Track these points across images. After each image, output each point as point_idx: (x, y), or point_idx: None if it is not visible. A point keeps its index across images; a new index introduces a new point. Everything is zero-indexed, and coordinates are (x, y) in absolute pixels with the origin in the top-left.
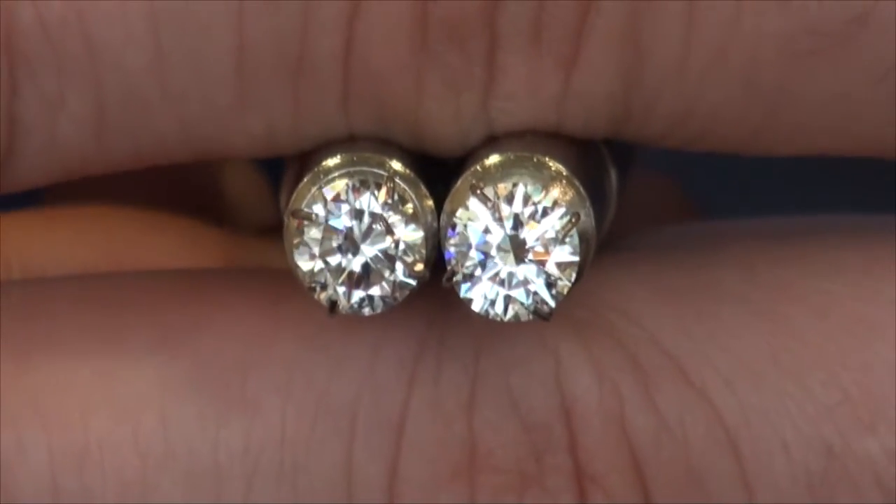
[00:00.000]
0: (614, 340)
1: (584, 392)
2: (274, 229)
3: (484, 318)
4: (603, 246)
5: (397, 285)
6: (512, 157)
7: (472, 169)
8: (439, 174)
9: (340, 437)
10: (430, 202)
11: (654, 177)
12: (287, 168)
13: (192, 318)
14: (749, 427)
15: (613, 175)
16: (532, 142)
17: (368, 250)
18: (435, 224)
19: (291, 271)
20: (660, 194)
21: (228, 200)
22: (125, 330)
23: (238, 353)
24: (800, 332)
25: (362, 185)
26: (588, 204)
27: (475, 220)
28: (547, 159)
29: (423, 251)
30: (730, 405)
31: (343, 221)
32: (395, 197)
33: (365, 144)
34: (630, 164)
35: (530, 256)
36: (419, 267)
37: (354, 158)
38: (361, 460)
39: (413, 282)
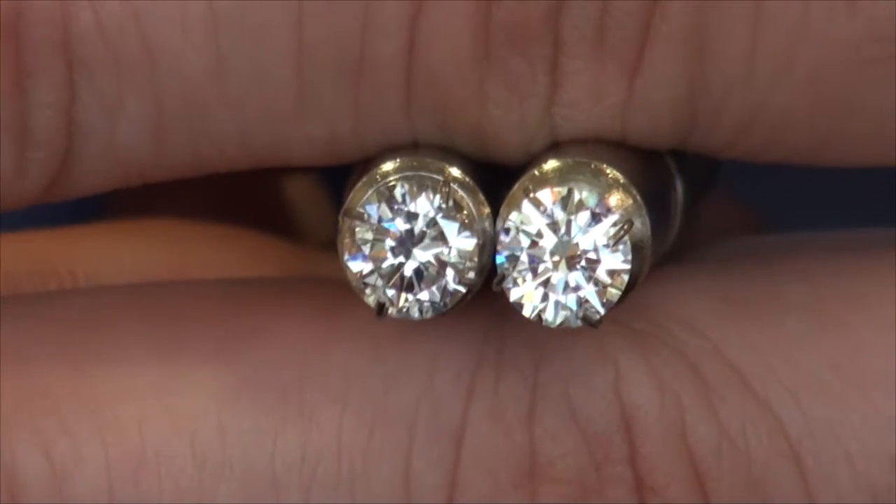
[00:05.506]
0: (675, 351)
1: (645, 402)
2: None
3: (541, 328)
4: (666, 259)
5: (448, 292)
6: (570, 162)
7: (529, 174)
8: (501, 183)
9: (398, 447)
10: (488, 210)
11: (719, 196)
12: (351, 175)
13: (248, 327)
14: (813, 438)
15: (680, 189)
16: (593, 149)
17: (421, 255)
18: (492, 232)
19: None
20: (724, 213)
21: (291, 216)
22: (182, 339)
23: (295, 362)
24: (863, 343)
25: (419, 188)
26: (644, 213)
27: (528, 224)
28: (605, 166)
29: (476, 259)
30: (793, 416)
31: (397, 224)
32: (451, 203)
33: (426, 151)
34: (707, 181)
35: (582, 262)
36: (471, 275)
37: (414, 163)
38: (420, 470)
39: (463, 289)
